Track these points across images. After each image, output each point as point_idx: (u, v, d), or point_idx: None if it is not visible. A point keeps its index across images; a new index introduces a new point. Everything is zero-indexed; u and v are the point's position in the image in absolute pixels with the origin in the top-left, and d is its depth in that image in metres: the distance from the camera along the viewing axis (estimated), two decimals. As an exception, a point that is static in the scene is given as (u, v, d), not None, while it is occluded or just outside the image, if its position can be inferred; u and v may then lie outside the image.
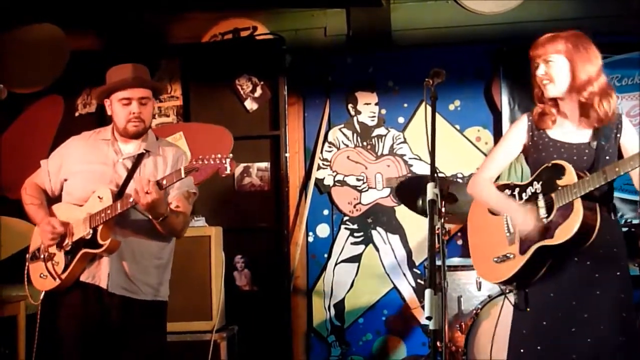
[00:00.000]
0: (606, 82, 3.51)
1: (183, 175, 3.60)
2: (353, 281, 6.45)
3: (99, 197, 3.85)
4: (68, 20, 6.50)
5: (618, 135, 3.51)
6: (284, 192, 6.40)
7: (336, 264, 6.49)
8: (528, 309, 3.47)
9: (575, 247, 3.35)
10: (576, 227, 3.26)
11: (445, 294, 4.57)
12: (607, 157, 3.46)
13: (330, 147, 6.55)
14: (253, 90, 6.51)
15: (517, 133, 3.66)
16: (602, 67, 3.52)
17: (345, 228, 6.50)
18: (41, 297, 4.02)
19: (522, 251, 3.44)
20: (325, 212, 6.55)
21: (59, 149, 4.15)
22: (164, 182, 3.65)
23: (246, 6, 6.71)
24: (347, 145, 6.52)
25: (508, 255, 3.51)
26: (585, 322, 3.35)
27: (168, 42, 6.87)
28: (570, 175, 3.33)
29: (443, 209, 4.85)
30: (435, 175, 2.96)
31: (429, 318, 2.57)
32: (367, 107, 6.51)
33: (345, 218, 6.49)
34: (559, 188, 3.35)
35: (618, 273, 3.44)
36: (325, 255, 6.53)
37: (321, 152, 6.56)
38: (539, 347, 3.41)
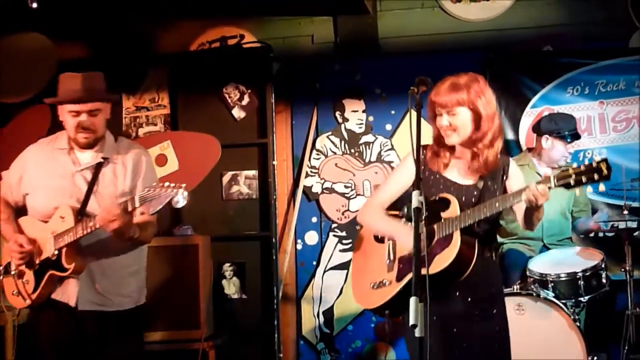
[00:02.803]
0: (498, 126, 3.54)
1: (137, 204, 3.54)
2: (342, 288, 6.45)
3: (61, 216, 3.79)
4: (55, 30, 6.49)
5: (504, 177, 3.57)
6: (272, 199, 6.40)
7: (325, 271, 6.49)
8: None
9: (451, 279, 3.36)
10: (451, 259, 3.29)
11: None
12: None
13: (318, 154, 6.56)
14: (241, 99, 6.52)
15: (411, 165, 3.49)
16: (497, 109, 3.56)
17: (334, 235, 6.50)
18: (17, 311, 4.03)
19: (398, 278, 3.45)
20: (314, 219, 6.56)
21: (17, 160, 4.05)
22: (128, 206, 3.59)
23: (233, 14, 6.72)
24: (335, 153, 6.53)
25: (384, 281, 3.52)
26: (465, 350, 3.42)
27: (156, 51, 6.86)
28: (454, 208, 3.38)
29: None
30: (421, 183, 2.97)
31: (414, 326, 2.58)
32: (355, 114, 6.53)
33: (334, 225, 6.50)
34: (442, 220, 3.39)
35: (495, 311, 3.54)
36: (314, 263, 6.53)
37: (309, 160, 6.57)
38: None
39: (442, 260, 3.31)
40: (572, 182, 3.08)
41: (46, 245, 3.83)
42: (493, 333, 3.51)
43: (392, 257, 3.54)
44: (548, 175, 3.17)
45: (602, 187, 3.27)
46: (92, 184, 3.86)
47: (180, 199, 3.51)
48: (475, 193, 3.51)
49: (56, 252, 3.77)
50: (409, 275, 3.36)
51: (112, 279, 3.87)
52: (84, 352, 3.84)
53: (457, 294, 3.44)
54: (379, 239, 3.67)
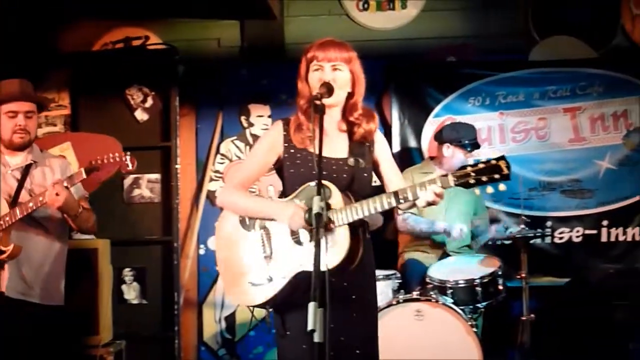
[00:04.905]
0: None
1: (84, 176, 3.89)
2: (244, 294, 6.41)
3: None
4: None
5: (372, 148, 3.41)
6: (174, 204, 6.32)
7: (228, 277, 6.44)
8: (288, 333, 3.30)
9: (339, 273, 3.12)
10: (343, 256, 3.10)
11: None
12: (365, 174, 3.37)
13: (222, 159, 6.52)
14: (144, 101, 6.41)
15: (271, 142, 3.42)
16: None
17: (237, 240, 6.46)
18: None
19: (281, 275, 3.25)
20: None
21: None
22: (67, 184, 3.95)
23: (138, 15, 6.62)
24: (240, 157, 6.50)
25: (266, 278, 3.29)
26: (342, 345, 3.18)
27: (57, 50, 6.70)
28: (336, 198, 3.15)
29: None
30: (322, 189, 2.95)
31: (312, 331, 2.58)
32: (260, 119, 6.51)
33: (237, 230, 6.46)
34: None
35: (369, 295, 3.40)
36: (217, 268, 6.47)
37: (213, 164, 6.53)
38: None
39: (333, 257, 3.09)
40: (471, 180, 2.94)
41: None
42: (368, 319, 3.36)
43: (267, 251, 3.31)
44: (445, 175, 3.00)
45: (502, 186, 3.10)
46: (22, 181, 4.19)
47: (129, 164, 3.93)
48: (346, 168, 3.30)
49: None
50: (293, 272, 3.20)
51: (38, 270, 4.14)
52: (14, 341, 4.06)
53: (333, 280, 2.96)
54: (246, 224, 3.41)
